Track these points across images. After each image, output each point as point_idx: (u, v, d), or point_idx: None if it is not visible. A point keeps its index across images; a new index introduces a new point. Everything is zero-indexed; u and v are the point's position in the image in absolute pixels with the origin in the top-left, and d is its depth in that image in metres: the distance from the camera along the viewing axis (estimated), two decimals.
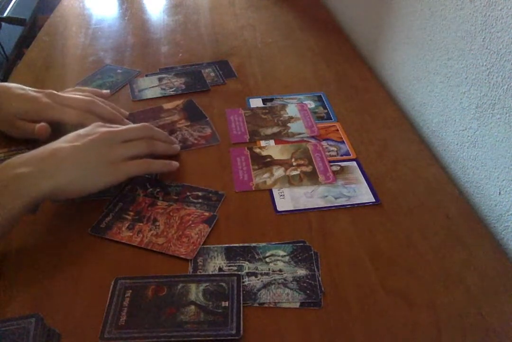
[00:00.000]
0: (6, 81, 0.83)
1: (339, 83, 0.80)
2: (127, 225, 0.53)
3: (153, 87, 0.79)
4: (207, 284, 0.46)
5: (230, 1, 1.13)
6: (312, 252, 0.50)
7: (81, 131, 0.55)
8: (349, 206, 0.56)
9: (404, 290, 0.46)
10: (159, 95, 0.77)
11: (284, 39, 0.95)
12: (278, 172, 0.61)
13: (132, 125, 0.60)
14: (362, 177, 0.60)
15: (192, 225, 0.53)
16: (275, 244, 0.51)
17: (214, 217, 0.54)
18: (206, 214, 0.54)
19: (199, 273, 0.48)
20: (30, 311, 0.44)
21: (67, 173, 0.50)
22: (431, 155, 0.64)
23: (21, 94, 0.63)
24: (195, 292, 0.45)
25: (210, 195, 0.57)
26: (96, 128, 0.55)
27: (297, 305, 0.45)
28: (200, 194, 0.57)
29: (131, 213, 0.54)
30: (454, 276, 0.48)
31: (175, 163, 0.60)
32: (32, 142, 0.63)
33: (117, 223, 0.53)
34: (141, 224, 0.53)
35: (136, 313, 0.44)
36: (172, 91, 0.78)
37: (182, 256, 0.49)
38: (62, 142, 0.53)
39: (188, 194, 0.57)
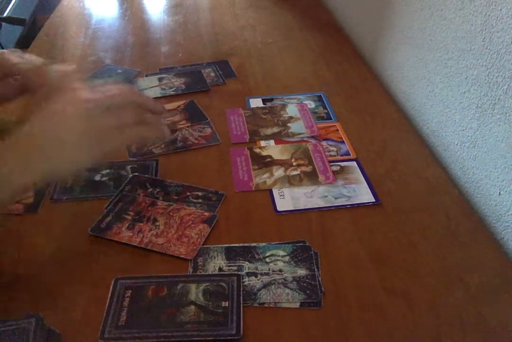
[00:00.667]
0: None
1: (339, 83, 0.80)
2: (127, 225, 0.53)
3: (153, 87, 0.79)
4: (207, 284, 0.46)
5: (230, 1, 1.13)
6: (312, 252, 0.50)
7: (57, 105, 0.47)
8: (349, 206, 0.56)
9: (404, 290, 0.46)
10: (159, 95, 0.77)
11: (284, 39, 0.95)
12: (278, 172, 0.61)
13: (115, 89, 0.51)
14: (362, 177, 0.60)
15: (192, 225, 0.53)
16: (275, 244, 0.51)
17: (214, 217, 0.54)
18: (206, 214, 0.54)
19: (199, 273, 0.48)
20: (30, 311, 0.44)
21: (49, 161, 0.45)
22: (431, 155, 0.64)
23: None
24: (195, 292, 0.45)
25: (210, 195, 0.57)
26: (72, 97, 0.48)
27: (297, 305, 0.45)
28: (200, 194, 0.57)
29: (131, 213, 0.54)
30: (454, 276, 0.48)
31: (166, 129, 0.54)
32: None
33: (117, 223, 0.53)
34: (141, 224, 0.53)
35: (136, 313, 0.44)
36: (172, 91, 0.78)
37: (182, 256, 0.49)
38: (35, 125, 0.46)
39: (188, 194, 0.57)
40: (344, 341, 0.42)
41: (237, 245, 0.51)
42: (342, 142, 0.66)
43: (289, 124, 0.70)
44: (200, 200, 0.56)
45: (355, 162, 0.62)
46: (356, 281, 0.47)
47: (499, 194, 0.54)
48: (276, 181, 0.59)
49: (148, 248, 0.50)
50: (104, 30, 1.00)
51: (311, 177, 0.60)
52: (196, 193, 0.57)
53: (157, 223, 0.53)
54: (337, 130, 0.68)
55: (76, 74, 0.55)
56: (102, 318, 0.43)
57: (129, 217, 0.54)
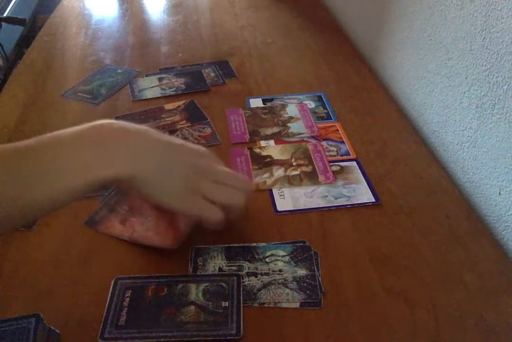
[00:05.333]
0: (6, 81, 0.83)
1: (339, 83, 0.80)
2: (120, 218, 0.53)
3: (153, 87, 0.79)
4: (207, 284, 0.46)
5: (230, 1, 1.13)
6: (312, 252, 0.49)
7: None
8: (349, 206, 0.56)
9: (404, 290, 0.46)
10: (159, 95, 0.77)
11: (284, 39, 0.95)
12: (278, 172, 0.61)
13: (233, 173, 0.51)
14: (362, 177, 0.60)
15: (183, 217, 0.52)
16: (275, 244, 0.51)
17: None
18: None
19: (199, 273, 0.48)
20: (30, 311, 0.44)
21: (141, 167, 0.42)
22: (431, 155, 0.64)
23: None
24: (195, 292, 0.45)
25: None
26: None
27: (297, 305, 0.45)
28: None
29: (125, 207, 0.54)
30: (454, 276, 0.48)
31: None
32: None
33: (110, 217, 0.53)
34: (133, 219, 0.53)
35: (136, 313, 0.44)
36: (172, 91, 0.78)
37: (166, 246, 0.48)
38: (159, 135, 0.46)
39: None
40: (344, 341, 0.42)
41: (237, 245, 0.51)
42: (342, 142, 0.66)
43: (289, 124, 0.69)
44: None
45: (355, 162, 0.62)
46: (356, 281, 0.47)
47: (499, 194, 0.54)
48: (276, 181, 0.59)
49: (138, 242, 0.50)
50: (104, 30, 1.00)
51: (311, 177, 0.60)
52: None
53: (150, 218, 0.53)
54: (337, 130, 0.68)
55: None
56: (102, 318, 0.43)
57: (123, 211, 0.54)
